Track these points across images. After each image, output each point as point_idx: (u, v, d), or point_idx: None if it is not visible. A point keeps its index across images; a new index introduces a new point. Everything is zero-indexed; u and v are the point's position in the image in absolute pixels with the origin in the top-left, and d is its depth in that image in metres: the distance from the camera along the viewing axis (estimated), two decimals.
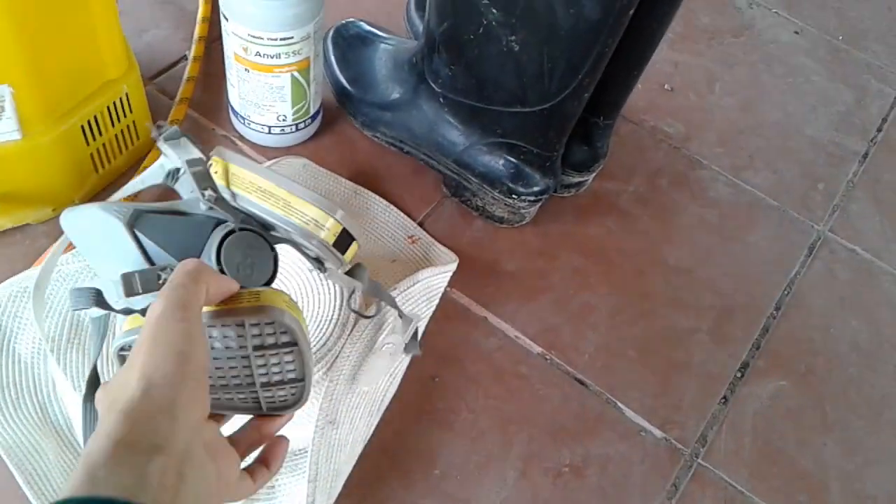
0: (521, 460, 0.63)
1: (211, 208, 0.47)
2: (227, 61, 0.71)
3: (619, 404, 0.68)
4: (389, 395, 0.63)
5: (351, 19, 0.83)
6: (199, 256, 0.45)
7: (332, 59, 0.80)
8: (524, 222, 0.76)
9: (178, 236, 0.46)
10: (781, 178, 0.87)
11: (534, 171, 0.70)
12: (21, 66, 0.58)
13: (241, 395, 0.43)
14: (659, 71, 0.94)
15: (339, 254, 0.51)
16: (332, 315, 0.58)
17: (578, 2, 0.56)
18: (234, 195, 0.49)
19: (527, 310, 0.72)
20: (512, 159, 0.70)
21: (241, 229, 0.46)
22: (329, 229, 0.50)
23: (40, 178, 0.65)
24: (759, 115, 0.93)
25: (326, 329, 0.57)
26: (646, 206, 0.81)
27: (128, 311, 0.44)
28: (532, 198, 0.72)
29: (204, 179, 0.48)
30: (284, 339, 0.41)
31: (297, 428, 0.58)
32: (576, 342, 0.70)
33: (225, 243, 0.46)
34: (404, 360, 0.64)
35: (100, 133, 0.68)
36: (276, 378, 0.43)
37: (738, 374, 0.71)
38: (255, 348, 0.41)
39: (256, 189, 0.49)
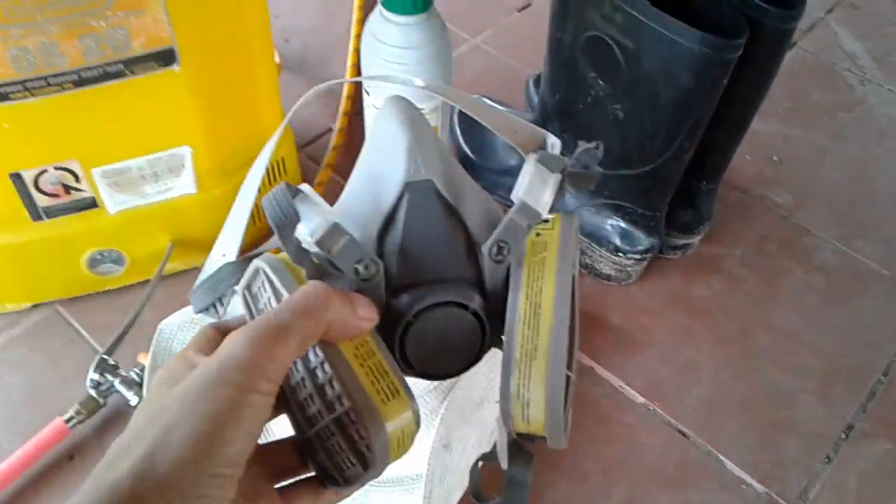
0: (623, 503, 0.67)
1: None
2: (367, 131, 0.82)
3: (721, 457, 0.70)
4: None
5: (476, 96, 0.92)
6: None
7: (458, 130, 0.89)
8: (630, 280, 0.81)
9: (425, 243, 0.36)
10: (892, 248, 0.87)
11: (639, 231, 0.76)
12: (199, 131, 0.69)
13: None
14: (768, 143, 0.97)
15: None
16: None
17: (675, 74, 0.62)
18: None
19: (632, 363, 0.76)
20: (618, 219, 0.76)
21: (473, 312, 0.36)
22: None
23: (210, 226, 0.76)
24: (870, 186, 0.94)
25: None
26: (752, 269, 0.84)
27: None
28: (638, 256, 0.77)
29: (511, 234, 0.36)
30: (360, 448, 0.32)
31: (410, 452, 0.64)
32: (679, 395, 0.74)
33: (437, 309, 0.35)
34: None
35: (259, 190, 0.78)
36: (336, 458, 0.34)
37: (843, 436, 0.72)
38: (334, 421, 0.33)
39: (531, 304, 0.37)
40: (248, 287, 0.36)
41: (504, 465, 0.41)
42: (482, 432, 0.66)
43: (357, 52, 1.00)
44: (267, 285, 0.35)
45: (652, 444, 0.70)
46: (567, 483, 0.67)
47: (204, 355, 0.31)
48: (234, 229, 0.45)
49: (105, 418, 0.69)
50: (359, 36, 1.02)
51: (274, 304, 0.34)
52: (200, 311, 0.41)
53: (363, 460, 0.32)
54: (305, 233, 0.34)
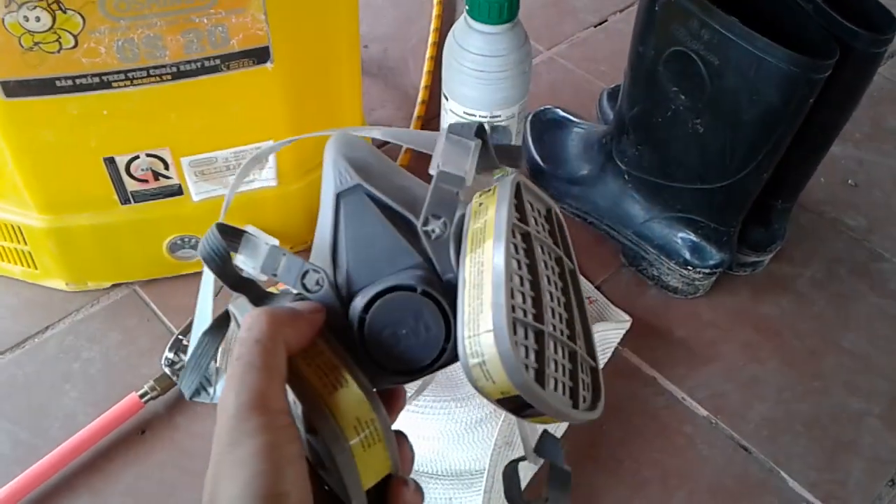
0: None
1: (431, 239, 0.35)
2: None
3: (783, 473, 0.69)
4: (560, 432, 0.69)
5: (549, 106, 0.93)
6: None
7: (529, 138, 0.90)
8: (698, 294, 0.81)
9: (371, 244, 0.37)
10: None
11: (710, 246, 0.76)
12: (285, 127, 0.72)
13: None
14: (843, 167, 0.96)
15: None
16: None
17: (760, 91, 0.62)
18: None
19: (695, 375, 0.76)
20: (690, 233, 0.76)
21: (424, 293, 0.35)
22: None
23: (286, 219, 0.79)
24: None
25: None
26: (822, 291, 0.84)
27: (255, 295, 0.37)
28: (707, 270, 0.77)
29: (442, 205, 0.36)
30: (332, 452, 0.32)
31: (474, 448, 0.65)
32: (742, 410, 0.73)
33: (388, 296, 0.35)
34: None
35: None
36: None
37: None
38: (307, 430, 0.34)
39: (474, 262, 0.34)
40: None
41: (530, 457, 0.41)
42: (535, 434, 0.67)
43: (434, 59, 1.02)
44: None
45: (713, 457, 0.70)
46: (626, 489, 0.68)
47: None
48: (203, 303, 0.49)
49: (176, 396, 0.71)
50: (436, 44, 1.04)
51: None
52: (193, 397, 0.41)
53: (333, 463, 0.32)
54: (250, 264, 0.36)
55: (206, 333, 0.40)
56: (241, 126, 0.70)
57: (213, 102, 0.67)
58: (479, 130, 0.38)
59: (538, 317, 0.34)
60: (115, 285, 0.80)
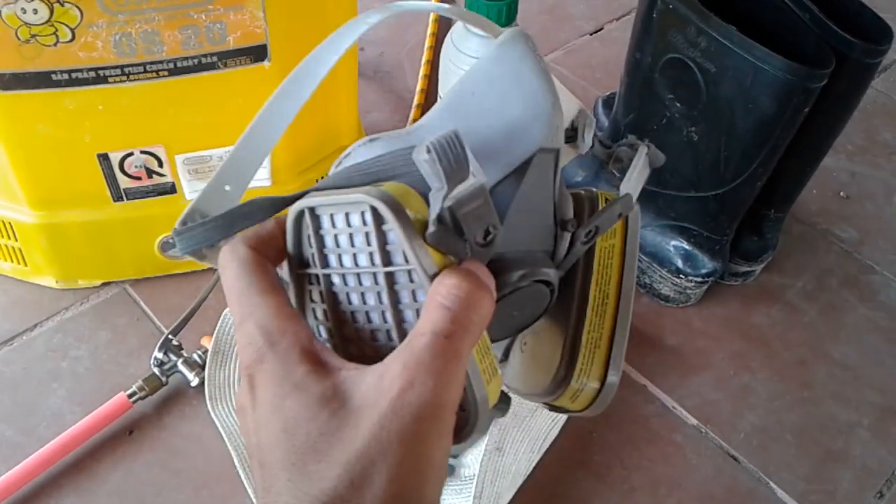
0: None
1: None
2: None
3: (772, 483, 0.70)
4: (550, 439, 0.69)
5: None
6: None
7: None
8: (689, 303, 0.81)
9: (529, 212, 0.34)
10: None
11: (703, 254, 0.76)
12: None
13: None
14: (835, 179, 0.97)
15: None
16: None
17: (756, 99, 0.63)
18: None
19: (686, 384, 0.76)
20: (682, 241, 0.76)
21: (550, 288, 0.34)
22: None
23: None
24: None
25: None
26: (813, 302, 0.84)
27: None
28: (699, 279, 0.77)
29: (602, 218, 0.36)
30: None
31: (464, 454, 0.65)
32: (732, 420, 0.73)
33: (521, 290, 0.33)
34: None
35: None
36: None
37: None
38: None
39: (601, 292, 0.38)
40: (318, 230, 0.31)
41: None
42: (535, 438, 0.67)
43: (430, 62, 1.02)
44: (373, 238, 0.29)
45: (702, 466, 0.70)
46: (615, 496, 0.68)
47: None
48: (257, 147, 0.38)
49: (166, 397, 0.71)
50: (432, 47, 1.04)
51: (378, 262, 0.29)
52: (188, 252, 0.34)
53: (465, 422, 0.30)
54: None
55: (266, 199, 0.33)
56: (237, 124, 0.68)
57: (210, 100, 0.67)
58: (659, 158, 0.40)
59: None
60: (105, 284, 0.79)
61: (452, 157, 0.28)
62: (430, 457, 0.26)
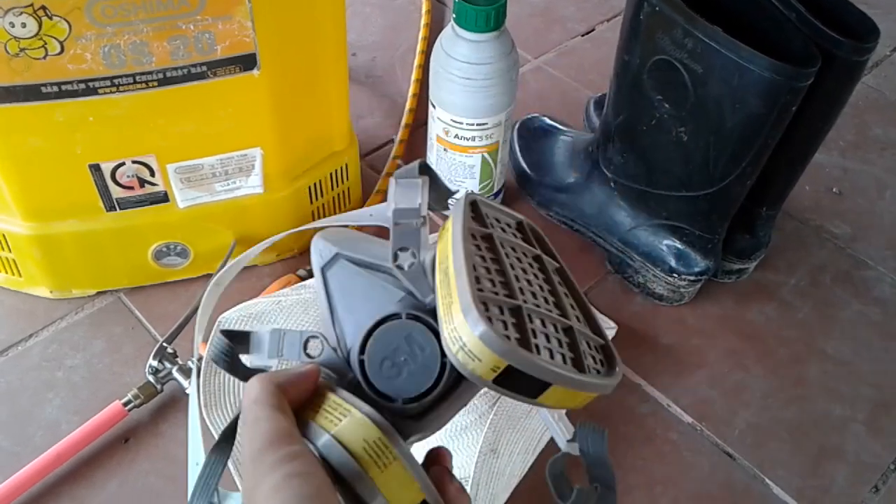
0: None
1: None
2: (429, 142, 0.84)
3: (767, 480, 0.70)
4: (545, 441, 0.69)
5: (536, 114, 0.94)
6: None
7: (517, 146, 0.91)
8: (683, 302, 0.81)
9: (359, 298, 0.39)
10: None
11: (695, 253, 0.76)
12: (272, 134, 0.72)
13: None
14: (827, 175, 0.97)
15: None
16: None
17: (744, 98, 0.63)
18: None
19: (681, 382, 0.76)
20: (675, 240, 0.77)
21: (409, 316, 0.36)
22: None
23: (272, 227, 0.79)
24: None
25: None
26: (806, 298, 0.84)
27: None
28: (692, 278, 0.77)
29: (406, 238, 0.37)
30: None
31: (459, 455, 0.65)
32: (727, 417, 0.74)
33: (378, 330, 0.36)
34: (560, 411, 0.70)
35: (321, 195, 0.81)
36: None
37: (893, 466, 0.71)
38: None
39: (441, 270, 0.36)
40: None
41: (564, 446, 0.42)
42: (530, 439, 0.67)
43: (421, 67, 1.03)
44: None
45: (698, 463, 0.70)
46: None
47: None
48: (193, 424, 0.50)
49: (161, 404, 0.71)
50: (423, 52, 1.05)
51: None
52: None
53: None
54: (258, 360, 0.39)
55: (213, 451, 0.40)
56: (228, 133, 0.70)
57: (200, 109, 0.67)
58: (423, 167, 0.40)
59: (511, 295, 0.35)
60: (99, 293, 0.79)
61: (219, 351, 0.39)
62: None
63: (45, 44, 0.58)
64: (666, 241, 0.77)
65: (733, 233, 0.78)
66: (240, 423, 0.33)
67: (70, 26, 0.58)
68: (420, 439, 0.38)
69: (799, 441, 0.72)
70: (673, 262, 0.77)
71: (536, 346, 0.33)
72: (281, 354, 0.38)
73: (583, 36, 1.16)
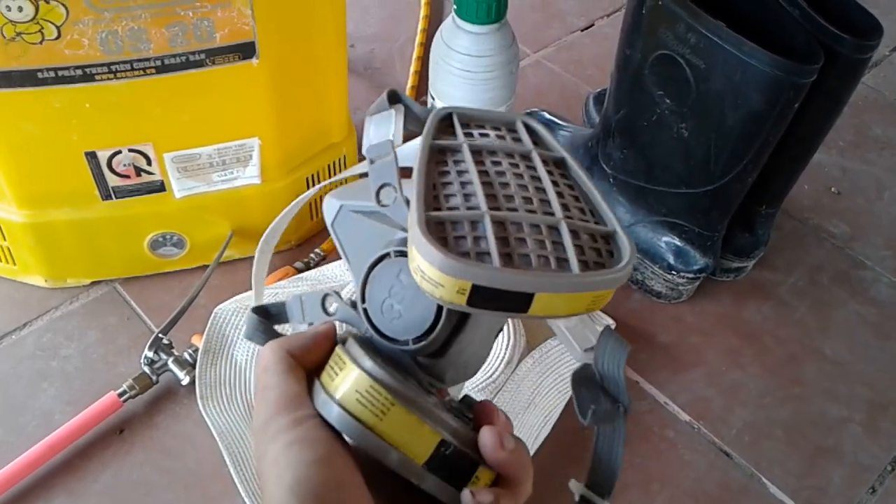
0: None
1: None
2: None
3: (764, 479, 0.70)
4: (542, 437, 0.69)
5: (535, 109, 0.93)
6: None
7: None
8: (681, 299, 0.81)
9: (364, 245, 0.38)
10: None
11: (694, 250, 0.76)
12: (270, 124, 0.71)
13: None
14: (827, 174, 0.97)
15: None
16: (501, 354, 0.65)
17: (746, 95, 0.63)
18: None
19: (678, 380, 0.76)
20: (674, 237, 0.76)
21: (397, 253, 0.35)
22: None
23: (269, 218, 0.78)
24: None
25: (494, 364, 0.65)
26: (804, 298, 0.84)
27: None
28: (691, 275, 0.77)
29: (384, 174, 0.36)
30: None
31: None
32: (724, 416, 0.73)
33: (372, 273, 0.36)
34: (558, 406, 0.70)
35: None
36: None
37: (890, 467, 0.71)
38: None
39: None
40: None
41: (573, 352, 0.41)
42: (527, 436, 0.67)
43: (421, 59, 1.02)
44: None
45: (694, 462, 0.70)
46: None
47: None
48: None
49: (156, 395, 0.70)
50: (423, 44, 1.04)
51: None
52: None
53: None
54: (296, 324, 0.40)
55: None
56: (226, 122, 0.70)
57: (198, 98, 0.66)
58: (392, 95, 0.40)
59: (476, 206, 0.33)
60: (94, 282, 0.79)
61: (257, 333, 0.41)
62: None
63: (42, 28, 0.58)
64: (665, 238, 0.77)
65: (732, 231, 0.78)
66: (254, 393, 0.35)
67: (67, 11, 0.57)
68: (464, 378, 0.38)
69: (796, 441, 0.72)
70: (671, 260, 0.77)
71: (508, 255, 0.31)
72: (307, 317, 0.39)
73: (582, 31, 1.15)
